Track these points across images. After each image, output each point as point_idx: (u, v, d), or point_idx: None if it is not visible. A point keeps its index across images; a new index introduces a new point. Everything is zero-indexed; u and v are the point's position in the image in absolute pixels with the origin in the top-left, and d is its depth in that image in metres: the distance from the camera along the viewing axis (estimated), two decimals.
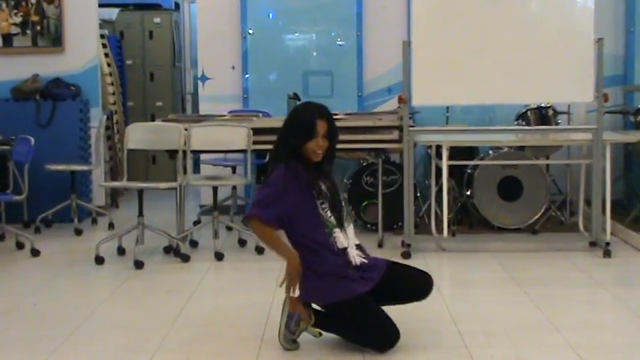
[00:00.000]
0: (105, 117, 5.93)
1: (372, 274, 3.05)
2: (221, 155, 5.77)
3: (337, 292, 2.99)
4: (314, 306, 3.10)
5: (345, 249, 3.03)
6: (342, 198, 3.17)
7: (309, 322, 3.04)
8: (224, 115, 5.54)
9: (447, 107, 5.60)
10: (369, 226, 5.29)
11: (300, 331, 3.05)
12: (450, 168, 4.87)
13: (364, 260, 3.06)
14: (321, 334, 3.07)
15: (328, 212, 3.04)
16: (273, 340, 3.13)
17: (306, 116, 3.05)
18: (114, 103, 6.64)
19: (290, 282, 2.99)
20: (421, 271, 3.20)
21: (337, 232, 3.03)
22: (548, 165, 5.49)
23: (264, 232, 3.04)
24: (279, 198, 2.98)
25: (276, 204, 2.98)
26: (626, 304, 3.70)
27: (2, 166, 5.33)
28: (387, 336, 3.01)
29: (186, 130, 4.79)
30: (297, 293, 2.99)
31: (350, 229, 3.11)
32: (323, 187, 3.06)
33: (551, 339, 3.19)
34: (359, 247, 3.11)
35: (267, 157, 5.63)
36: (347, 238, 3.06)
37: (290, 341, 3.06)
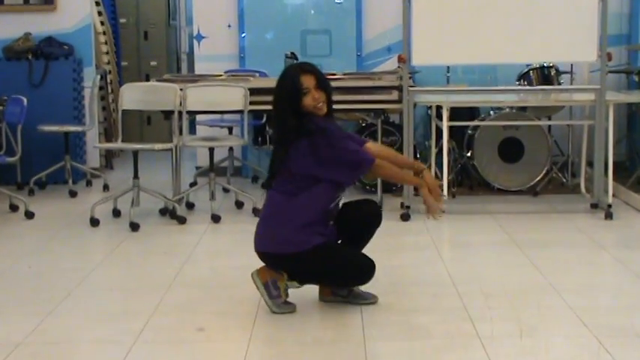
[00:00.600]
0: (98, 77, 5.84)
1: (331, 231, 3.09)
2: (217, 116, 5.69)
3: (298, 244, 2.96)
4: None
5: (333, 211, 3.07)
6: None
7: (284, 279, 3.02)
8: (220, 75, 5.45)
9: (448, 67, 5.52)
10: (367, 187, 5.24)
11: (284, 291, 3.02)
12: (451, 129, 4.82)
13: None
14: (300, 284, 3.05)
15: None
16: None
17: (288, 77, 3.01)
18: (108, 63, 6.53)
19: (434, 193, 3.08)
20: (362, 200, 3.20)
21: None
22: (550, 126, 5.43)
23: (386, 170, 3.07)
24: (348, 137, 3.07)
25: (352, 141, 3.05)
26: (627, 266, 3.69)
27: None
28: (362, 269, 3.01)
29: (181, 90, 4.71)
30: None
31: None
32: None
33: (551, 301, 3.17)
34: None
35: (265, 119, 5.65)
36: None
37: (282, 305, 3.03)
